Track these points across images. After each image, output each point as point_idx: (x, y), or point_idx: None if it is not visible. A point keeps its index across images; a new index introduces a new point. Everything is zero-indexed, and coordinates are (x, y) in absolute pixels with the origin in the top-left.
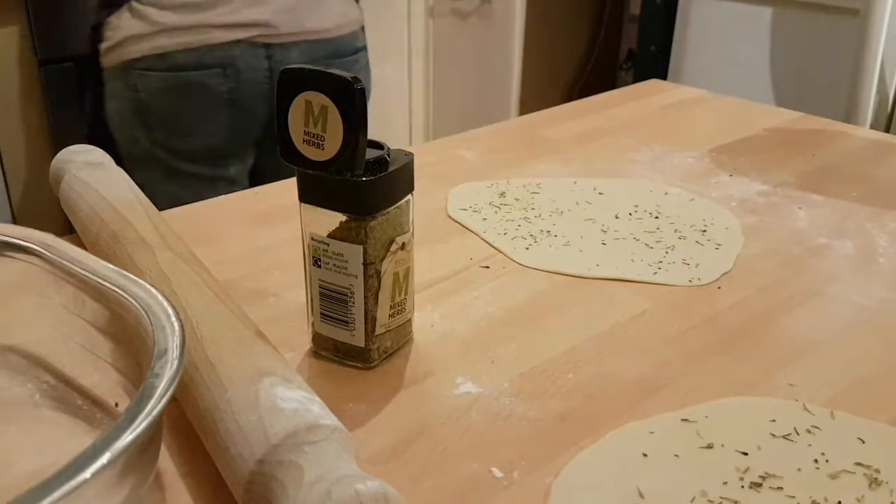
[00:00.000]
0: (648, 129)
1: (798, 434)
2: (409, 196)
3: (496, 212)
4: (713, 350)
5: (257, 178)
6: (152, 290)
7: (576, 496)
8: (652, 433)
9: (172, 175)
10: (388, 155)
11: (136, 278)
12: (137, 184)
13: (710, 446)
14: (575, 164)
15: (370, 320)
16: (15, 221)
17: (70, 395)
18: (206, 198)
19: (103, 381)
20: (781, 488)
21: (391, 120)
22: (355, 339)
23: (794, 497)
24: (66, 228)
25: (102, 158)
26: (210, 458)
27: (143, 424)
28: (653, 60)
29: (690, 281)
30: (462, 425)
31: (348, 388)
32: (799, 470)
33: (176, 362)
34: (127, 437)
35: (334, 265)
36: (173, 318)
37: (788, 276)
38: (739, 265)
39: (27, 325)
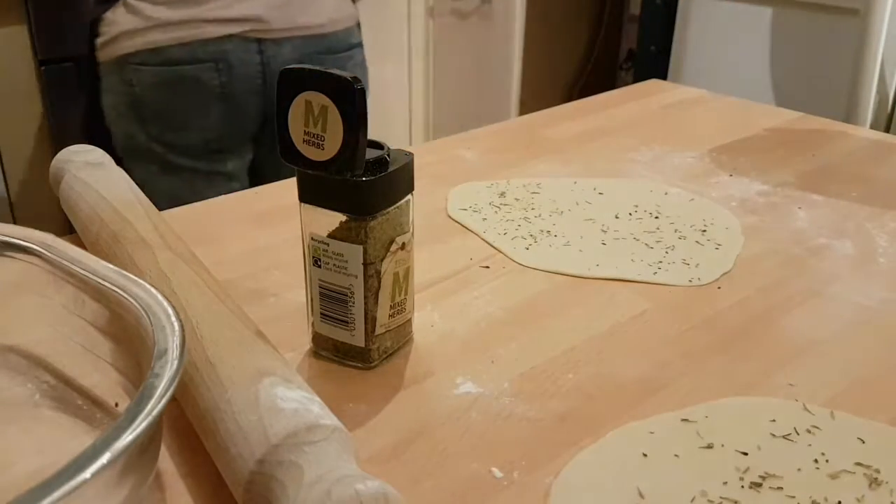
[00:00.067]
0: (648, 129)
1: (798, 434)
2: (409, 196)
3: (496, 212)
4: (713, 350)
5: (256, 174)
6: (152, 290)
7: (576, 496)
8: (652, 433)
9: (169, 170)
10: (388, 155)
11: (136, 278)
12: (135, 179)
13: (710, 446)
14: (575, 164)
15: (370, 320)
16: (15, 221)
17: (70, 395)
18: (203, 193)
19: (103, 381)
20: (781, 488)
21: (391, 120)
22: (355, 339)
23: (794, 497)
24: (66, 228)
25: (102, 158)
26: (210, 458)
27: (143, 424)
28: (653, 60)
29: (690, 281)
30: (462, 425)
31: (348, 388)
32: (799, 470)
33: (176, 362)
34: (127, 437)
35: (334, 265)
36: (173, 318)
37: (788, 276)
38: (739, 265)
39: (27, 325)
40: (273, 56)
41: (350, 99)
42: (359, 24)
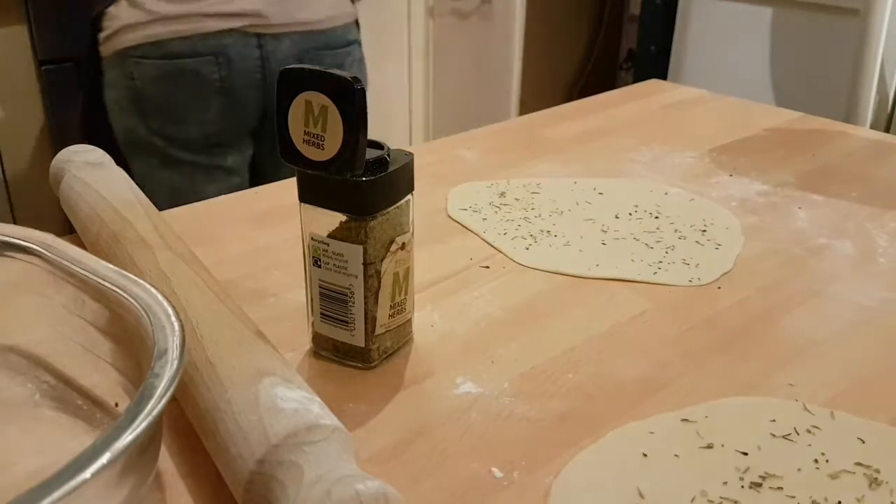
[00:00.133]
0: (648, 129)
1: (798, 434)
2: (409, 196)
3: (496, 212)
4: (713, 350)
5: (257, 170)
6: (152, 290)
7: (576, 496)
8: (652, 433)
9: (170, 163)
10: (388, 155)
11: (136, 278)
12: (136, 172)
13: (710, 446)
14: (575, 164)
15: (370, 320)
16: (15, 221)
17: (70, 395)
18: (204, 187)
19: (103, 381)
20: (781, 488)
21: (391, 120)
22: (355, 339)
23: (794, 497)
24: (66, 228)
25: (102, 158)
26: (210, 458)
27: (143, 424)
28: (653, 60)
29: (690, 281)
30: (462, 425)
31: (348, 388)
32: (799, 470)
33: (176, 362)
34: (127, 437)
35: (334, 265)
36: (173, 318)
37: (788, 276)
38: (739, 265)
39: (27, 325)
40: (272, 51)
41: (350, 99)
42: (357, 23)
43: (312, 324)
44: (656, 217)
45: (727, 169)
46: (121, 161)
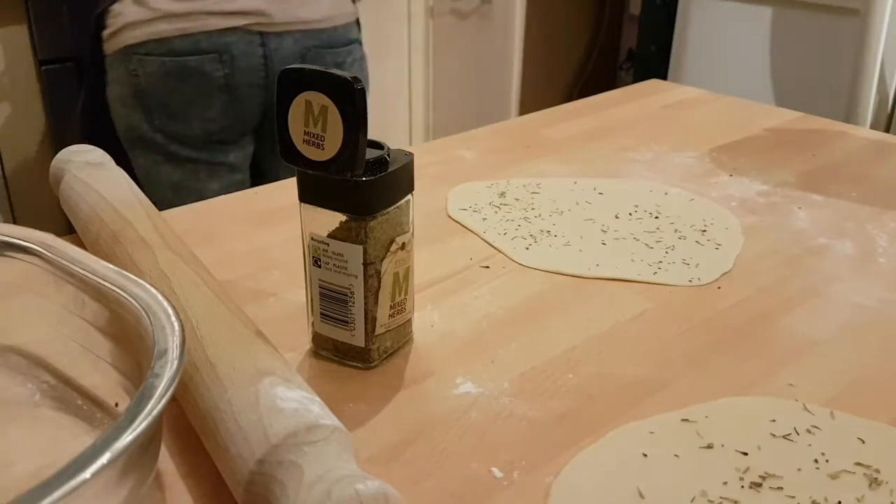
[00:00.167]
0: (648, 129)
1: (798, 434)
2: (409, 196)
3: (496, 212)
4: (713, 350)
5: (257, 166)
6: (152, 290)
7: (576, 496)
8: (652, 433)
9: (172, 160)
10: (388, 155)
11: (136, 278)
12: (139, 169)
13: (710, 446)
14: (575, 164)
15: (370, 320)
16: (15, 221)
17: (70, 395)
18: (206, 183)
19: (103, 381)
20: (781, 488)
21: (391, 120)
22: (355, 339)
23: (794, 497)
24: (66, 228)
25: (102, 158)
26: (210, 458)
27: (143, 424)
28: (653, 60)
29: (690, 281)
30: (462, 425)
31: (348, 388)
32: (799, 470)
33: (176, 362)
34: (127, 437)
35: (334, 265)
36: (173, 318)
37: (788, 276)
38: (739, 265)
39: (27, 325)
40: (275, 49)
41: (350, 99)
42: (358, 22)
43: (312, 324)
44: (656, 217)
45: (727, 169)
46: (122, 157)
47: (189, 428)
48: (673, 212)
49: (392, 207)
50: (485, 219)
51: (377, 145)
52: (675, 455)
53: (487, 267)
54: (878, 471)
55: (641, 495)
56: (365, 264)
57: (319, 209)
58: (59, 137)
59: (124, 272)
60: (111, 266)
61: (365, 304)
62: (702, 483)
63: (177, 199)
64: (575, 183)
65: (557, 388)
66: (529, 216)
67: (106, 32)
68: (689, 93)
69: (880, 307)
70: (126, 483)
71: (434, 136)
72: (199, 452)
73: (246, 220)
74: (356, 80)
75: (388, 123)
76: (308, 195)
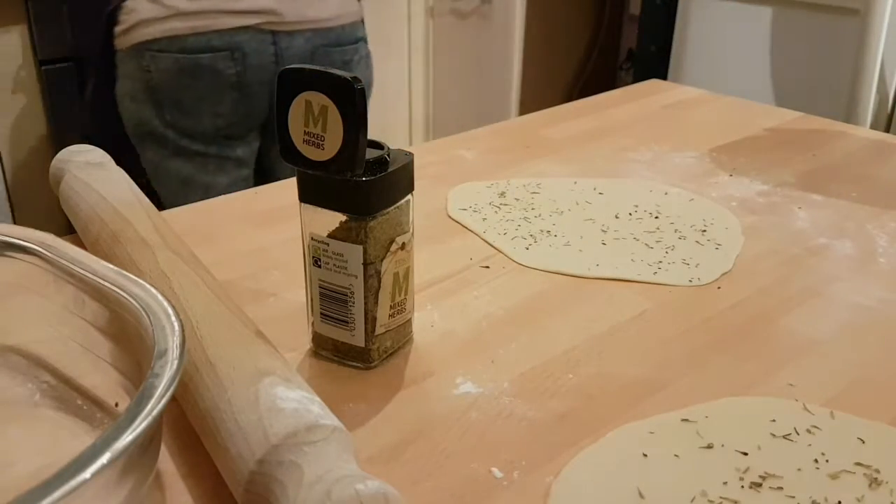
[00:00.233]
0: (648, 129)
1: (798, 434)
2: (409, 196)
3: (496, 212)
4: (713, 350)
5: (261, 162)
6: (152, 290)
7: (576, 496)
8: (652, 433)
9: (182, 154)
10: (388, 155)
11: (136, 278)
12: (148, 163)
13: (710, 446)
14: (575, 164)
15: (370, 320)
16: (15, 221)
17: (70, 395)
18: (214, 177)
19: (103, 381)
20: (781, 488)
21: (391, 120)
22: (355, 339)
23: (794, 497)
24: (66, 228)
25: (102, 158)
26: (210, 458)
27: (143, 424)
28: (653, 60)
29: (690, 281)
30: (462, 425)
31: (348, 388)
32: (799, 470)
33: (176, 362)
34: (127, 437)
35: (334, 265)
36: (173, 318)
37: (788, 276)
38: (739, 265)
39: (27, 325)
40: (286, 48)
41: (350, 99)
42: (363, 20)
43: (312, 324)
44: (656, 217)
45: (727, 169)
46: (127, 152)
47: (189, 428)
48: (673, 212)
49: (392, 207)
50: (485, 219)
51: (377, 145)
52: (675, 455)
53: (487, 267)
54: (878, 471)
55: (641, 495)
56: (365, 264)
57: (319, 209)
58: (59, 137)
59: (124, 272)
60: (111, 266)
61: (365, 304)
62: (702, 483)
63: (185, 192)
64: (575, 183)
65: (557, 388)
66: (529, 216)
67: (118, 29)
68: (689, 93)
69: (880, 307)
70: (126, 483)
71: (434, 136)
72: (199, 452)
73: (246, 220)
74: (356, 80)
75: (388, 123)
76: (308, 195)
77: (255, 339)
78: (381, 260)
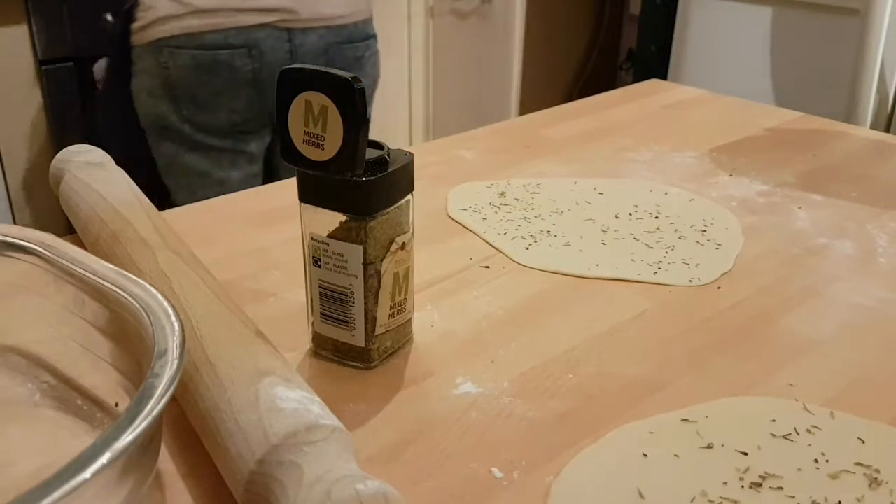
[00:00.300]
0: (648, 129)
1: (798, 434)
2: (409, 196)
3: (496, 212)
4: (713, 350)
5: (270, 157)
6: (152, 290)
7: (576, 496)
8: (652, 433)
9: (198, 149)
10: (388, 155)
11: (136, 278)
12: (162, 157)
13: (710, 446)
14: (575, 164)
15: (370, 320)
16: (15, 221)
17: (70, 395)
18: (227, 171)
19: (103, 381)
20: (781, 488)
21: (391, 120)
22: (355, 339)
23: (794, 497)
24: (66, 228)
25: (102, 158)
26: (210, 458)
27: (143, 424)
28: (653, 60)
29: (690, 281)
30: (462, 425)
31: (348, 388)
32: (799, 470)
33: (176, 362)
34: (127, 437)
35: (334, 265)
36: (173, 318)
37: (788, 276)
38: (739, 265)
39: (27, 325)
40: (301, 44)
41: (350, 99)
42: (371, 18)
43: (312, 324)
44: (656, 217)
45: (727, 169)
46: (136, 147)
47: (189, 428)
48: (673, 212)
49: (392, 207)
50: (485, 219)
51: (377, 145)
52: (675, 455)
53: (487, 267)
54: (878, 471)
55: (641, 495)
56: (365, 264)
57: (319, 209)
58: (59, 137)
59: (124, 272)
60: (111, 266)
61: (365, 304)
62: (702, 483)
63: (199, 187)
64: (575, 183)
65: (557, 388)
66: (529, 216)
67: (135, 25)
68: (689, 93)
69: (880, 307)
70: (126, 483)
71: (434, 136)
72: (199, 452)
73: (246, 220)
74: (356, 79)
75: (388, 123)
76: (308, 195)
77: (255, 339)
78: (381, 260)
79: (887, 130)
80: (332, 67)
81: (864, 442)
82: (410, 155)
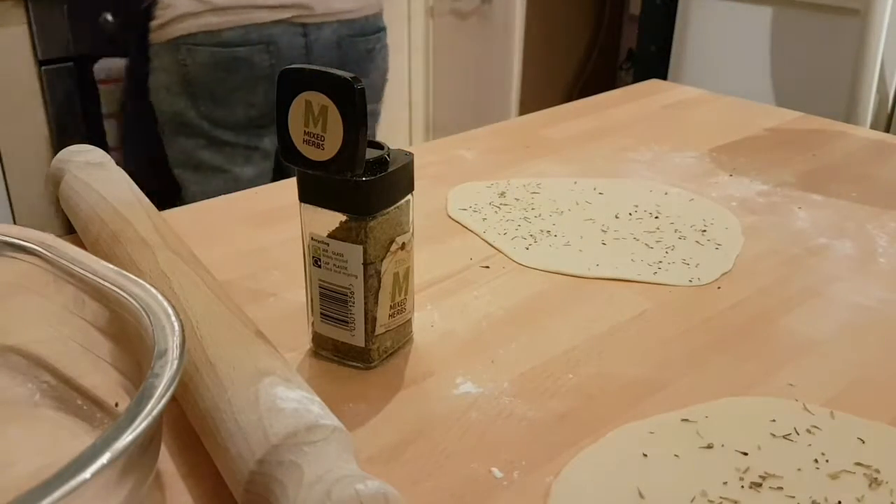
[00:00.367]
0: (648, 129)
1: (798, 434)
2: (409, 196)
3: (496, 212)
4: (713, 350)
5: (278, 155)
6: (152, 290)
7: (576, 496)
8: (652, 433)
9: (214, 144)
10: (388, 155)
11: (136, 278)
12: (180, 152)
13: (710, 446)
14: (575, 164)
15: (370, 320)
16: (15, 221)
17: (70, 395)
18: (242, 166)
19: (103, 381)
20: (781, 488)
21: (391, 120)
22: (355, 339)
23: (794, 497)
24: (66, 228)
25: (102, 158)
26: (210, 458)
27: (143, 424)
28: (653, 60)
29: (690, 281)
30: (462, 425)
31: (348, 388)
32: (799, 470)
33: (176, 362)
34: (127, 437)
35: (334, 265)
36: (173, 318)
37: (788, 276)
38: (739, 265)
39: (27, 325)
40: (315, 39)
41: (350, 99)
42: (382, 11)
43: (312, 324)
44: (656, 217)
45: (727, 169)
46: (156, 141)
47: (189, 428)
48: (673, 212)
49: (392, 207)
50: (485, 219)
51: (377, 145)
52: (675, 455)
53: (487, 267)
54: (878, 471)
55: (641, 495)
56: (365, 264)
57: (319, 209)
58: (59, 137)
59: (124, 272)
60: (111, 266)
61: (365, 304)
62: (702, 483)
63: (213, 181)
64: (575, 183)
65: (557, 388)
66: (529, 216)
67: (154, 23)
68: (689, 93)
69: (880, 307)
70: (126, 483)
71: (434, 136)
72: (199, 452)
73: (246, 220)
74: (356, 79)
75: (388, 123)
76: (308, 195)
77: (255, 339)
78: (381, 260)
79: (887, 130)
80: (346, 61)
81: (864, 442)
82: (410, 155)
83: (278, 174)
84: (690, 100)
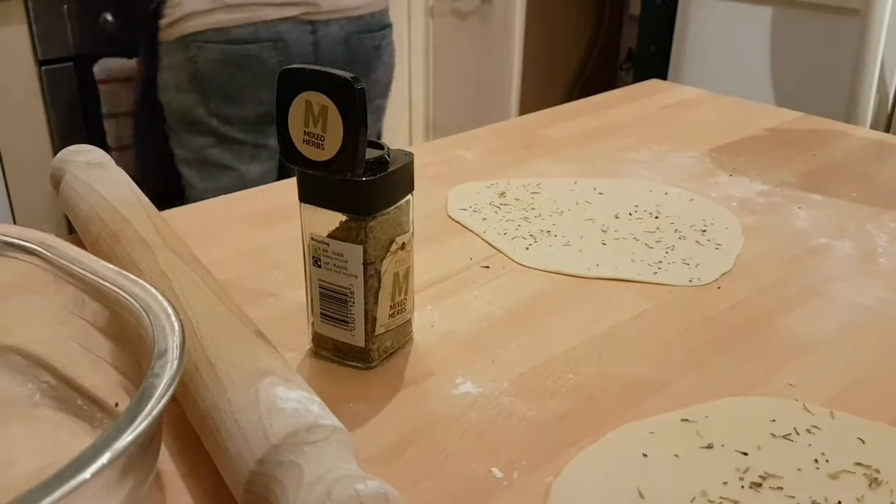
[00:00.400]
0: (648, 129)
1: (798, 434)
2: (409, 196)
3: (496, 212)
4: (713, 350)
5: None
6: (152, 290)
7: (576, 496)
8: (652, 433)
9: (223, 142)
10: (388, 155)
11: (136, 278)
12: (184, 151)
13: (710, 446)
14: (575, 164)
15: (370, 320)
16: (15, 221)
17: (70, 395)
18: (249, 166)
19: (103, 381)
20: (781, 488)
21: (391, 120)
22: (355, 339)
23: (794, 497)
24: (66, 228)
25: (102, 158)
26: (210, 458)
27: (143, 424)
28: (653, 60)
29: (690, 281)
30: (462, 425)
31: (348, 388)
32: (799, 470)
33: (176, 362)
34: (127, 437)
35: (334, 265)
36: (173, 318)
37: (788, 276)
38: (739, 265)
39: (27, 325)
40: (323, 36)
41: (350, 99)
42: (388, 8)
43: (312, 324)
44: (656, 217)
45: (727, 169)
46: (166, 139)
47: (189, 428)
48: (673, 212)
49: (392, 207)
50: (485, 219)
51: (377, 145)
52: (675, 455)
53: (487, 267)
54: (878, 471)
55: (641, 495)
56: (365, 264)
57: (319, 209)
58: (59, 137)
59: (124, 272)
60: (111, 266)
61: (365, 304)
62: (702, 483)
63: (220, 179)
64: (575, 183)
65: (557, 388)
66: (529, 216)
67: (163, 21)
68: (689, 93)
69: (880, 307)
70: (126, 483)
71: (434, 136)
72: (199, 452)
73: (246, 220)
74: (356, 79)
75: (388, 123)
76: (308, 195)
77: (255, 339)
78: (381, 260)
79: (887, 130)
80: (354, 57)
81: (864, 442)
82: (410, 155)
83: (283, 173)
84: (690, 100)
